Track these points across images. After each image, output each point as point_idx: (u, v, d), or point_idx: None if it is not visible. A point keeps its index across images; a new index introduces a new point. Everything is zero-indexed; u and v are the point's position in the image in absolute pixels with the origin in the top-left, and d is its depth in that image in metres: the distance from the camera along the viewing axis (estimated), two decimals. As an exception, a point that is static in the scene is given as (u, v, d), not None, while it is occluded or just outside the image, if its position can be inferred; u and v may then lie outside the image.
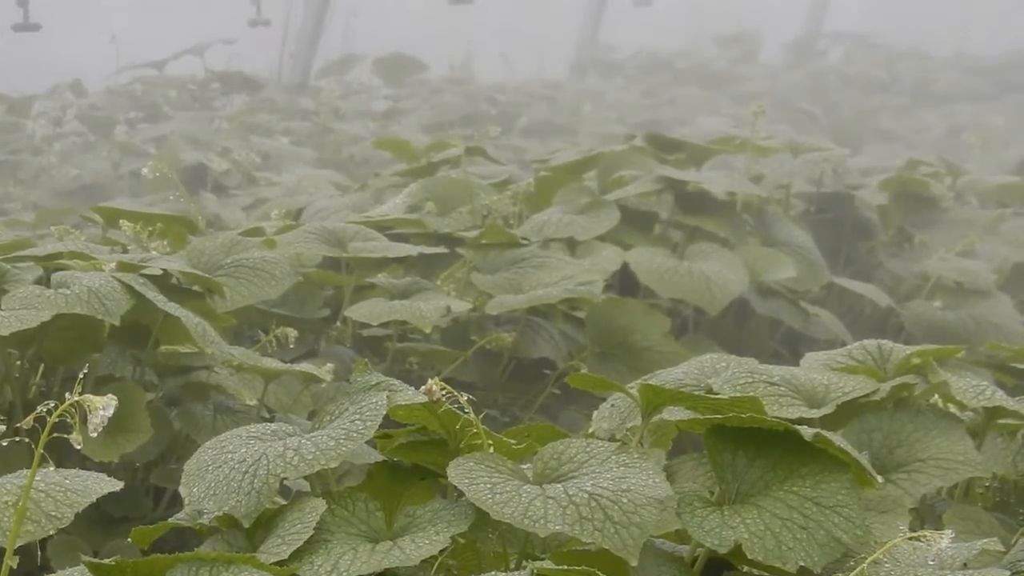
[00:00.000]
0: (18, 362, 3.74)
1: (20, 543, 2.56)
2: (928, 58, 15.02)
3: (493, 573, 2.48)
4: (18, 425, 2.55)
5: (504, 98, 12.07)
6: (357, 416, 2.71)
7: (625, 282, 5.01)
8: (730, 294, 4.80)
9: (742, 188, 5.25)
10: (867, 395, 3.08)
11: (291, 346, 4.10)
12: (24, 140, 10.08)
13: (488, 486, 2.53)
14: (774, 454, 2.65)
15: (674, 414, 2.85)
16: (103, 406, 2.40)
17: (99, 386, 3.63)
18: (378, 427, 2.70)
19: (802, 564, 2.51)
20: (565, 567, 2.41)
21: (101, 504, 3.51)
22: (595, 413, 3.15)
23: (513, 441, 2.74)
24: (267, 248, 4.34)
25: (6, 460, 3.28)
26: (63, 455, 2.99)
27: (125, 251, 4.37)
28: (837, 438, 2.67)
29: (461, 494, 2.56)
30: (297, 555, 2.56)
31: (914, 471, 2.93)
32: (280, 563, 2.55)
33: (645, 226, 5.21)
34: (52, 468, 2.71)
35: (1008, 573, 2.49)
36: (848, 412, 3.04)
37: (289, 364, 3.88)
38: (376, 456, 2.82)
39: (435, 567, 2.64)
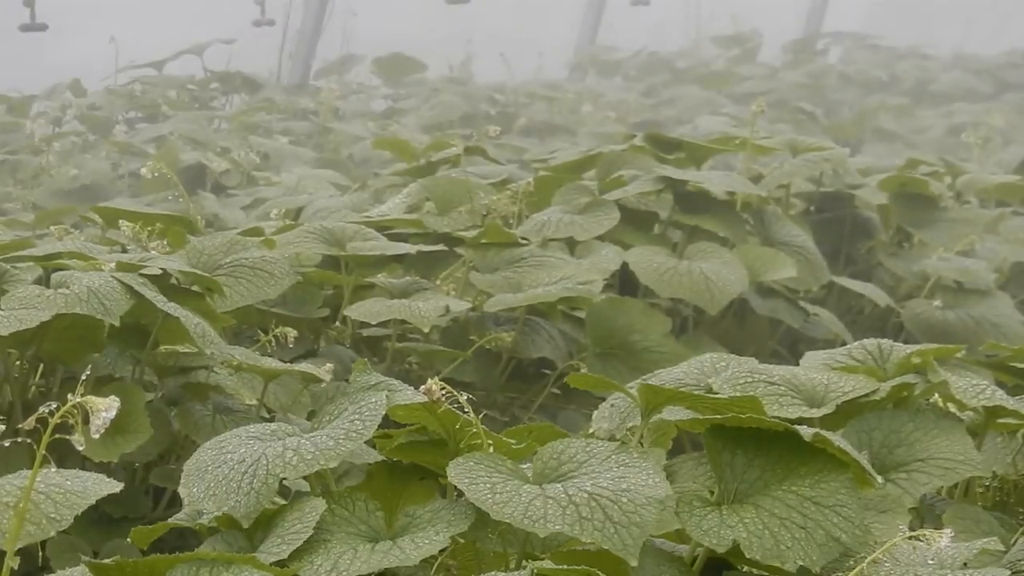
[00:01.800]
0: (18, 362, 3.74)
1: (20, 545, 2.56)
2: (928, 58, 15.01)
3: (493, 573, 2.48)
4: (19, 426, 2.54)
5: (503, 98, 12.06)
6: (356, 416, 2.71)
7: (625, 282, 5.01)
8: (730, 294, 4.80)
9: (742, 188, 5.24)
10: (867, 395, 3.08)
11: (291, 346, 4.10)
12: (23, 140, 10.07)
13: (488, 486, 2.53)
14: (773, 454, 2.66)
15: (674, 414, 2.85)
16: (105, 408, 2.40)
17: (98, 386, 3.62)
18: (377, 427, 2.70)
19: (801, 563, 2.52)
20: (565, 567, 2.41)
21: (101, 504, 3.51)
22: (595, 413, 3.15)
23: (513, 441, 2.74)
24: (266, 248, 4.34)
25: (6, 461, 3.28)
26: (63, 455, 2.99)
27: (124, 251, 4.37)
28: (836, 438, 2.67)
29: (461, 494, 2.56)
30: (297, 555, 2.56)
31: (914, 471, 2.93)
32: (280, 563, 2.55)
33: (645, 226, 5.20)
34: (53, 469, 2.70)
35: (1008, 573, 2.49)
36: (848, 412, 3.04)
37: (289, 364, 3.88)
38: (376, 456, 2.82)
39: (435, 567, 2.64)
